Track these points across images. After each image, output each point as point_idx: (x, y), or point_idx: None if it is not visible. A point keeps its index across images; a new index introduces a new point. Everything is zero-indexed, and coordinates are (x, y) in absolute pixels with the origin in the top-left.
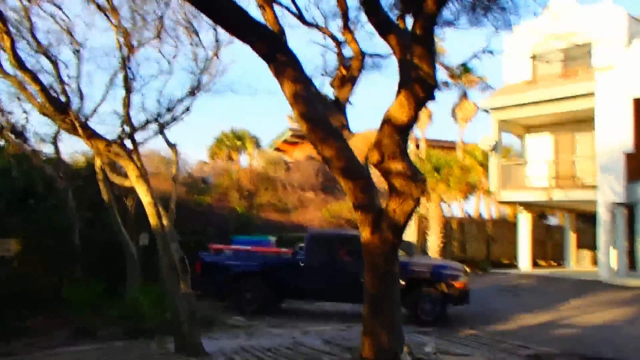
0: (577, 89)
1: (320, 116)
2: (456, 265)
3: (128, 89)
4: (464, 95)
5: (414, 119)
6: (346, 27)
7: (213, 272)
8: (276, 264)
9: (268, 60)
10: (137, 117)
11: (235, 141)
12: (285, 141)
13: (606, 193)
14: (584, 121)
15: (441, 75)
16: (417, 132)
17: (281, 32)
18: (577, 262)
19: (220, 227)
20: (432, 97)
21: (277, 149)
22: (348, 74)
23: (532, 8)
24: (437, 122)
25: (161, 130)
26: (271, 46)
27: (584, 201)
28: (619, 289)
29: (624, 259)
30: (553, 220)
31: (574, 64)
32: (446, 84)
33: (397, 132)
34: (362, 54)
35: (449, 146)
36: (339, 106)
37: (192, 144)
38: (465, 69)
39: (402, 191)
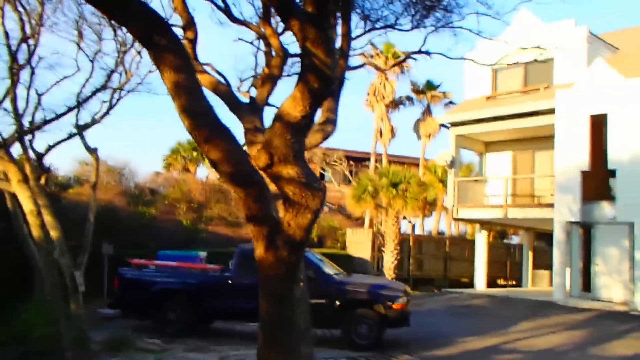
0: (537, 105)
1: (205, 111)
2: (396, 285)
3: (14, 81)
4: (428, 111)
5: (309, 117)
6: (266, 19)
7: (133, 290)
8: (202, 281)
9: (146, 44)
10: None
11: (191, 152)
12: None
13: (562, 212)
14: (544, 139)
15: (405, 90)
16: (379, 147)
17: (190, 22)
18: (534, 282)
19: (165, 241)
20: (330, 91)
21: None
22: (268, 73)
23: (493, 26)
24: (403, 138)
25: (79, 133)
26: (149, 28)
27: (541, 220)
28: (572, 311)
29: (579, 279)
30: (517, 240)
31: (535, 80)
32: (410, 99)
33: (289, 131)
34: (284, 51)
35: (412, 162)
36: (254, 107)
37: (151, 155)
38: (429, 85)
39: (297, 201)
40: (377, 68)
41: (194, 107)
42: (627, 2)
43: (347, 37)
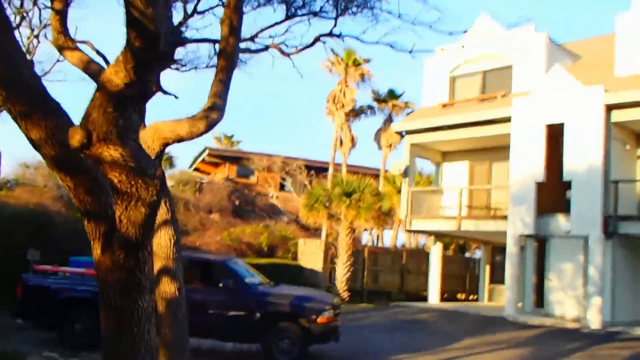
0: (493, 114)
1: (26, 80)
2: (324, 296)
3: None
4: (389, 121)
5: (137, 86)
6: None
7: (37, 297)
8: None
9: None
10: None
11: None
12: (205, 161)
13: (516, 225)
14: (501, 149)
15: (367, 99)
16: (339, 157)
17: None
18: (492, 298)
19: None
20: (159, 54)
21: (197, 170)
22: None
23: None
24: (364, 149)
25: None
26: None
27: (496, 233)
28: (520, 328)
29: (531, 295)
30: (479, 254)
31: (493, 89)
32: (371, 108)
33: (111, 102)
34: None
35: (373, 173)
36: None
37: None
38: (390, 93)
39: (126, 191)
40: (282, 52)
41: (8, 74)
42: (589, 13)
43: (237, 9)
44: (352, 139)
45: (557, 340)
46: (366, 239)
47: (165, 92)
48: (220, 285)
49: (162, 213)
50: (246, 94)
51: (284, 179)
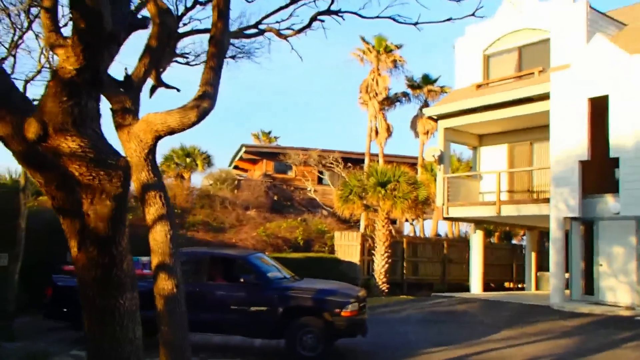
0: (531, 91)
1: None
2: (349, 289)
3: None
4: (425, 107)
5: (89, 72)
6: None
7: (66, 298)
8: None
9: None
10: None
11: (185, 158)
12: (243, 159)
13: (560, 207)
14: (542, 129)
15: (401, 86)
16: (375, 147)
17: None
18: (540, 286)
19: (136, 247)
20: (107, 36)
21: (237, 167)
22: (146, 44)
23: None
24: (402, 137)
25: None
26: None
27: (539, 217)
28: (566, 317)
29: (579, 281)
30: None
31: (530, 65)
32: (406, 95)
33: (65, 91)
34: (161, 17)
35: (411, 162)
36: (128, 85)
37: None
38: (425, 79)
39: (88, 184)
40: (279, 35)
41: None
42: None
43: None
44: (388, 128)
45: (606, 329)
46: (408, 229)
47: (167, 86)
48: (242, 280)
49: (158, 208)
50: (281, 90)
51: (321, 173)
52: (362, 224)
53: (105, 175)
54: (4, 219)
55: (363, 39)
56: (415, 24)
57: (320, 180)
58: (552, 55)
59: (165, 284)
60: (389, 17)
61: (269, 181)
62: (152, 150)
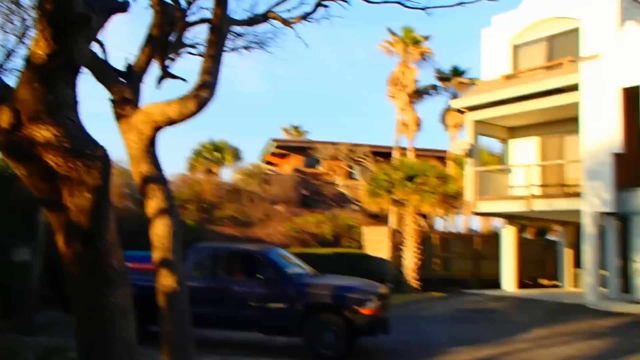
0: (560, 82)
1: None
2: (369, 286)
3: None
4: (454, 99)
5: (60, 56)
6: None
7: None
8: (151, 285)
9: None
10: None
11: (214, 153)
12: (274, 154)
13: (592, 202)
14: (573, 120)
15: (430, 79)
16: (404, 140)
17: None
18: (574, 283)
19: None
20: (71, 14)
21: (267, 162)
22: (148, 33)
23: None
24: (432, 130)
25: None
26: None
27: (571, 212)
28: (601, 316)
29: (616, 279)
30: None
31: (560, 55)
32: (435, 87)
33: (38, 77)
34: (161, 6)
35: (441, 155)
36: (129, 75)
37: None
38: (455, 71)
39: (66, 175)
40: (283, 21)
41: None
42: None
43: None
44: (417, 121)
45: None
46: (440, 224)
47: (174, 77)
48: (260, 276)
49: (159, 201)
50: (311, 84)
51: (351, 167)
52: (392, 218)
53: (83, 166)
54: (25, 212)
55: (390, 31)
56: (424, 8)
57: (350, 175)
58: (582, 44)
59: (166, 280)
60: (397, 2)
61: (298, 176)
62: (152, 142)
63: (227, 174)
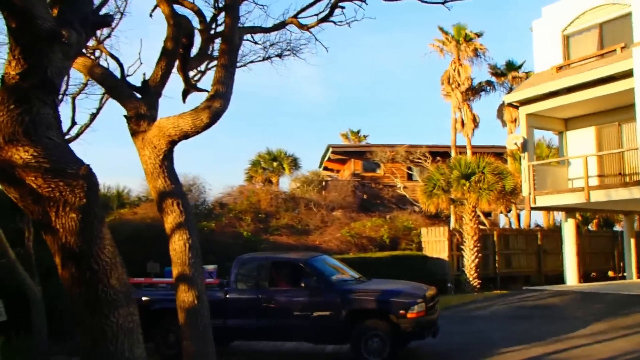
0: (613, 69)
1: None
2: (416, 289)
3: None
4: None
5: (33, 75)
6: None
7: None
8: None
9: None
10: None
11: (271, 163)
12: (331, 159)
13: None
14: (629, 108)
15: (485, 75)
16: (461, 139)
17: None
18: (637, 273)
19: (222, 253)
20: (38, 31)
21: (326, 168)
22: (163, 47)
23: None
24: (490, 127)
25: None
26: None
27: (631, 201)
28: None
29: None
30: None
31: (613, 42)
32: (490, 83)
33: (12, 97)
34: (175, 19)
35: (500, 152)
36: (144, 91)
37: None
38: (509, 65)
39: (49, 196)
40: (300, 26)
41: None
42: None
43: None
44: (474, 119)
45: None
46: (503, 221)
47: (199, 89)
48: (303, 285)
49: (175, 216)
50: (368, 88)
51: (409, 169)
52: (452, 218)
53: (66, 186)
54: None
55: (441, 29)
56: (444, 2)
57: (409, 177)
58: (634, 29)
59: (185, 296)
60: None
61: (356, 180)
62: (167, 156)
63: (285, 183)
